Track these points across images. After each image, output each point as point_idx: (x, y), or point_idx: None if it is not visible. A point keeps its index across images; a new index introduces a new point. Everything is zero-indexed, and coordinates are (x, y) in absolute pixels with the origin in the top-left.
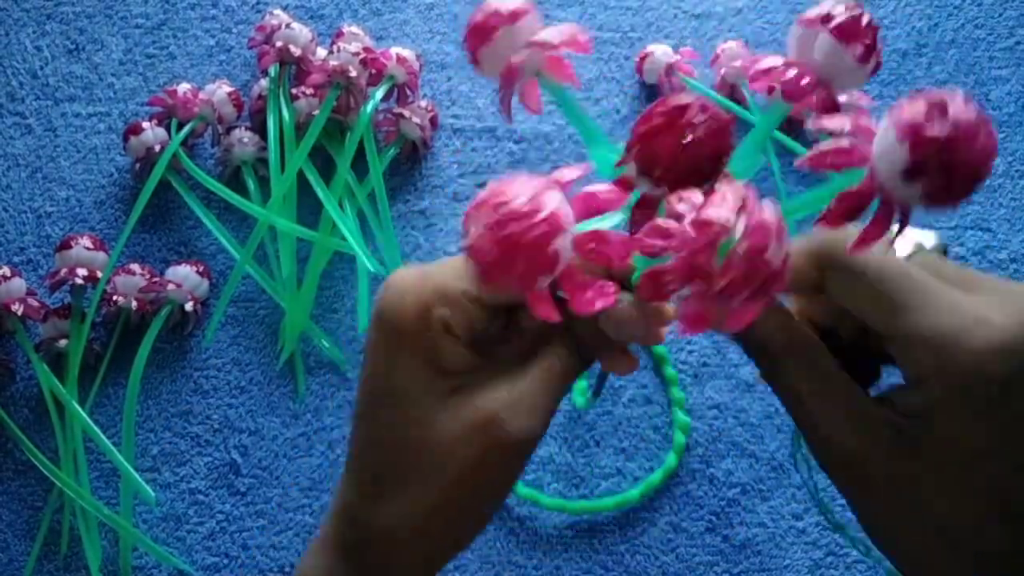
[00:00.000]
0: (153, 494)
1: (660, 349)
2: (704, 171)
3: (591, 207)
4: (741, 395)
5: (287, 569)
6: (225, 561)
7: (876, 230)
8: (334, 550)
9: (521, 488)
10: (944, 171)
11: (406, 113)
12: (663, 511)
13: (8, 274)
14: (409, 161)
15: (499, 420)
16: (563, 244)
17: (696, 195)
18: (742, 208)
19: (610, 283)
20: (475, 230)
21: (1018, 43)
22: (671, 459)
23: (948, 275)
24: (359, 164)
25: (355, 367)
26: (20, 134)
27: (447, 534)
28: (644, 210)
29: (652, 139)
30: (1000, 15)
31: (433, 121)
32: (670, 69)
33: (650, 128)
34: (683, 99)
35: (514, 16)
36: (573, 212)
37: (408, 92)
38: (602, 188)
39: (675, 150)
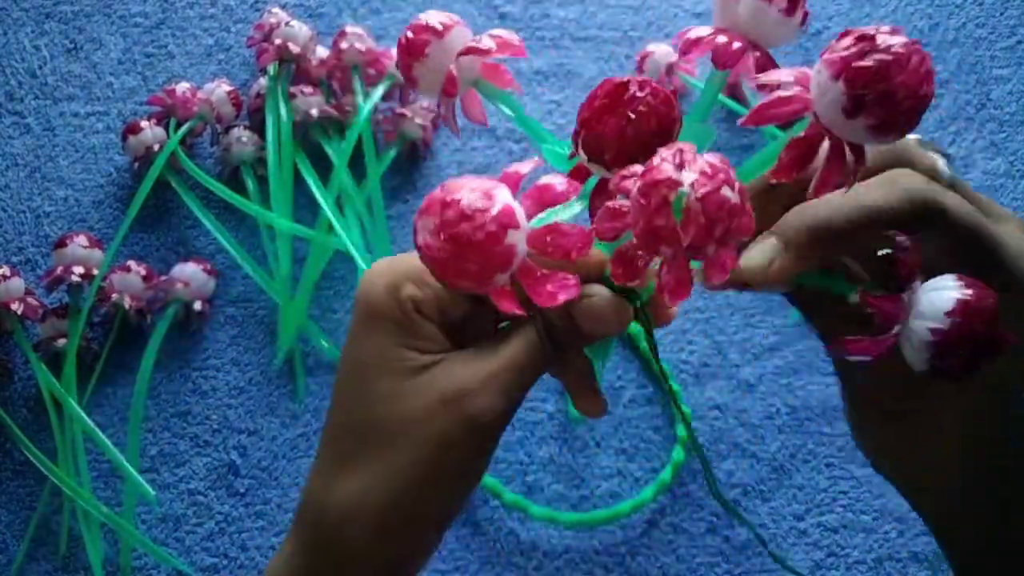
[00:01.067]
0: (154, 493)
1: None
2: (653, 147)
3: (545, 200)
4: (742, 396)
5: None
6: (224, 562)
7: (832, 173)
8: (294, 536)
9: (534, 510)
10: (883, 101)
11: (408, 113)
12: (664, 512)
13: (7, 274)
14: (409, 161)
15: (465, 397)
16: (516, 240)
17: (637, 168)
18: (683, 162)
19: (570, 275)
20: (425, 231)
21: (1019, 42)
22: (678, 452)
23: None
24: (359, 163)
25: None
26: (19, 133)
27: (408, 515)
28: (602, 196)
29: (596, 122)
30: (1001, 14)
31: (435, 121)
32: (671, 68)
33: (593, 112)
34: (622, 78)
35: (443, 30)
36: (527, 207)
37: (410, 92)
38: (556, 180)
39: (620, 130)
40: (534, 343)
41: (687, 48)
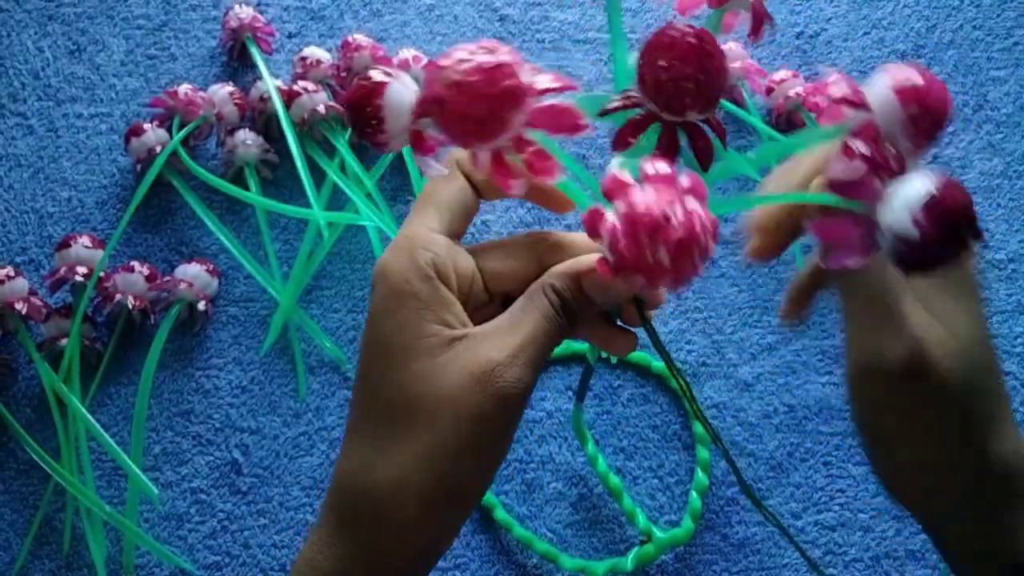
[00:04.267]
0: (157, 492)
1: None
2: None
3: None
4: (740, 395)
5: (288, 568)
6: (227, 560)
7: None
8: (330, 521)
9: (565, 560)
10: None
11: None
12: (663, 511)
13: (11, 274)
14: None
15: (495, 372)
16: (523, 81)
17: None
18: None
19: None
20: (434, 82)
21: (1016, 44)
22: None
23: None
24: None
25: (355, 366)
26: (22, 135)
27: (451, 489)
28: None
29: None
30: (998, 16)
31: None
32: None
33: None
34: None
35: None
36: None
37: None
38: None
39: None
40: (550, 317)
41: (830, 115)
